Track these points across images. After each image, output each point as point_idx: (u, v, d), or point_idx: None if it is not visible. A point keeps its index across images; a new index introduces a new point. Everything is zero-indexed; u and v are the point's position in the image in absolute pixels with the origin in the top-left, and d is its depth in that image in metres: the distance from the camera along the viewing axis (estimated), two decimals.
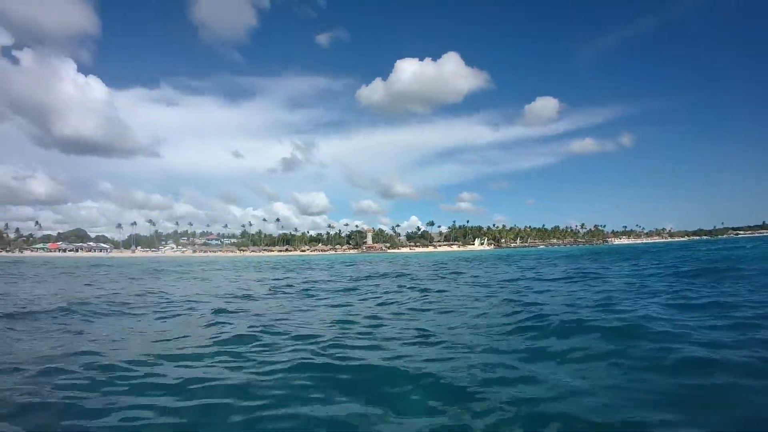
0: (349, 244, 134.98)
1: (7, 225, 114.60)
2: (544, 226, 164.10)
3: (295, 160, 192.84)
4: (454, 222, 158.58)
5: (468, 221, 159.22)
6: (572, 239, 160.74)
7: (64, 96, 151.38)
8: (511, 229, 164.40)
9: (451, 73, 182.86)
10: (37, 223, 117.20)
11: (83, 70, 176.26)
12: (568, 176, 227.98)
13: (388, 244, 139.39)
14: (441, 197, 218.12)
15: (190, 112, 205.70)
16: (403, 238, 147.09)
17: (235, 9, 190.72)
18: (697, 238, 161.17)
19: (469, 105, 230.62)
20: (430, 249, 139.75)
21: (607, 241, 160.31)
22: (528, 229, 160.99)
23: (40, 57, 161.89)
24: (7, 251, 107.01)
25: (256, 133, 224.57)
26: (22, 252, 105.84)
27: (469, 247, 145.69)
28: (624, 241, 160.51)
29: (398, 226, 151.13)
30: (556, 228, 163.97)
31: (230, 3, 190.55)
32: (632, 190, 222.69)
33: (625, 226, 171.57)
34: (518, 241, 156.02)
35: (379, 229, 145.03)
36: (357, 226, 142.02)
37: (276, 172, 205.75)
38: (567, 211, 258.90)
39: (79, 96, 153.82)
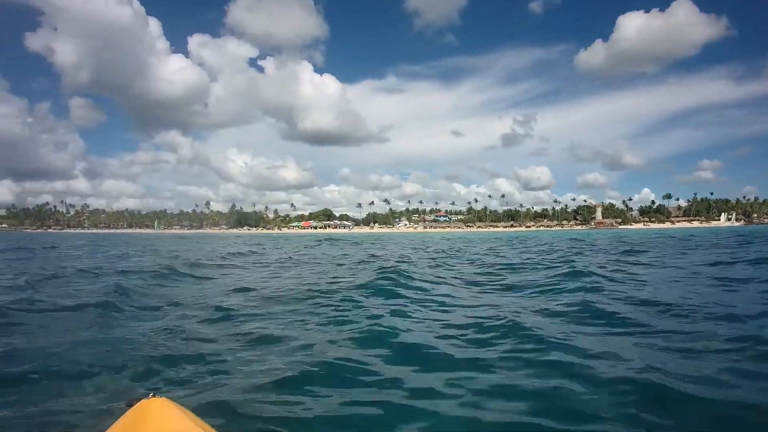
0: (576, 219, 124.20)
1: (266, 207, 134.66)
2: None
3: (515, 135, 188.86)
4: (695, 194, 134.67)
5: (712, 193, 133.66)
6: None
7: (304, 95, 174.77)
8: (765, 201, 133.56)
9: (683, 23, 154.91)
10: (292, 205, 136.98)
11: (318, 70, 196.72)
12: None
13: (619, 220, 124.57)
14: (675, 167, 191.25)
15: (413, 97, 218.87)
16: (635, 212, 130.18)
17: None
18: None
19: (706, 58, 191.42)
20: (667, 225, 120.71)
21: None
22: None
23: (281, 63, 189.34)
24: (267, 229, 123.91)
25: (474, 112, 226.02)
26: (281, 229, 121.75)
27: (714, 223, 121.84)
28: None
29: (630, 199, 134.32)
30: None
31: None
32: None
33: None
34: None
35: (609, 203, 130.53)
36: (585, 200, 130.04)
37: (496, 148, 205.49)
38: None
39: (317, 93, 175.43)
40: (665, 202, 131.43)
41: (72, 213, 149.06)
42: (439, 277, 9.01)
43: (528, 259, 13.63)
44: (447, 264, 12.31)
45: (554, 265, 10.69)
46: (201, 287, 8.06)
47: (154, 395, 1.89)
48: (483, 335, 4.16)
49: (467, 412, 2.58)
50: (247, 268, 12.15)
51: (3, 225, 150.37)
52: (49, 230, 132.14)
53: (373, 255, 16.19)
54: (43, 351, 3.73)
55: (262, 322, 4.92)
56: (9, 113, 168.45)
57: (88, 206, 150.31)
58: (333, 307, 5.55)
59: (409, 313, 5.14)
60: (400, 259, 13.07)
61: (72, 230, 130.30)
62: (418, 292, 6.80)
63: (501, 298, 6.46)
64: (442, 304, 5.88)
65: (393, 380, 3.05)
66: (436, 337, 4.10)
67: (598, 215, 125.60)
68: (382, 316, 4.80)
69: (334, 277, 9.08)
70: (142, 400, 1.86)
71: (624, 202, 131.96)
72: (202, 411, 2.04)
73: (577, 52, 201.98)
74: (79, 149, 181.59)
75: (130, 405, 1.88)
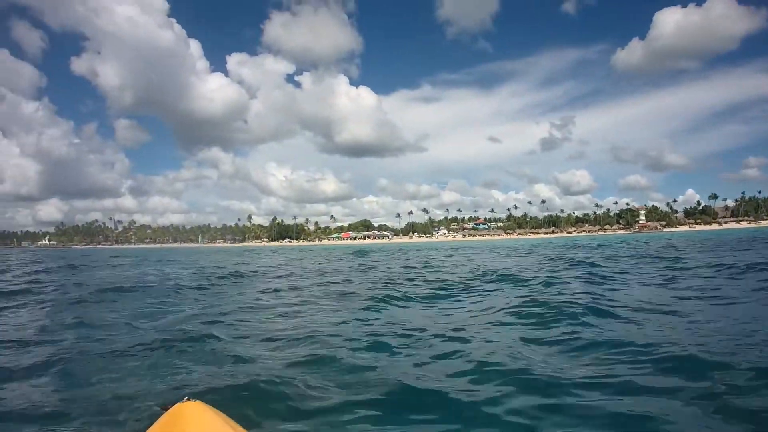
0: (619, 223, 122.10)
1: (307, 219, 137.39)
2: None
3: (553, 139, 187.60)
4: (743, 194, 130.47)
5: (760, 191, 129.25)
6: None
7: (341, 108, 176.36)
8: None
9: (721, 16, 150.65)
10: (332, 216, 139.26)
11: (354, 82, 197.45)
12: None
13: (663, 223, 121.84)
14: (721, 165, 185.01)
15: (449, 105, 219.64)
16: (680, 214, 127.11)
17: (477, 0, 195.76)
18: None
19: (747, 51, 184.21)
20: (713, 227, 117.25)
21: None
22: None
23: (317, 78, 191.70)
24: (308, 241, 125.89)
25: (511, 117, 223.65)
26: (321, 241, 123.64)
27: (762, 223, 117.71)
28: None
29: (674, 201, 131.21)
30: None
31: None
32: None
33: None
34: None
35: (652, 206, 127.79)
36: (627, 204, 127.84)
37: (535, 153, 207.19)
38: None
39: (353, 106, 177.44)
40: (711, 203, 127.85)
41: (120, 229, 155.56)
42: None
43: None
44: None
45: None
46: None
47: (188, 399, 1.96)
48: None
49: None
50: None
51: (52, 242, 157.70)
52: (98, 246, 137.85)
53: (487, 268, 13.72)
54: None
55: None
56: (57, 135, 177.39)
57: (134, 222, 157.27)
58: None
59: None
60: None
61: (119, 246, 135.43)
62: None
63: None
64: None
65: None
66: None
67: (642, 219, 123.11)
68: None
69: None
70: (177, 404, 1.93)
71: (668, 204, 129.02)
72: (236, 414, 2.15)
73: (614, 52, 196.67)
74: (126, 168, 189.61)
75: (165, 409, 1.97)
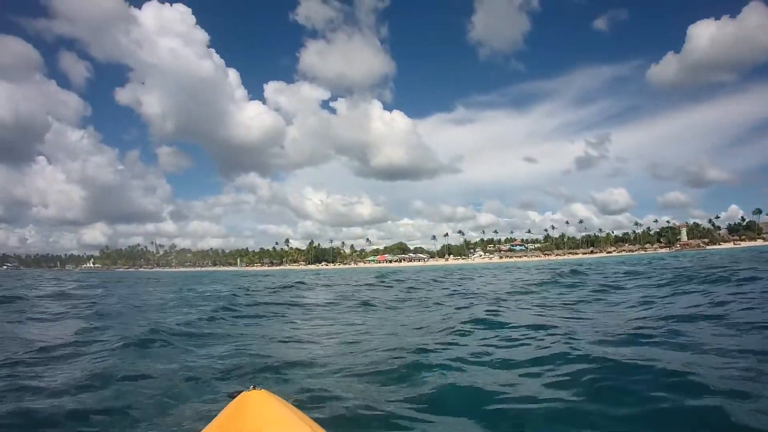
0: (660, 242, 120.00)
1: (343, 243, 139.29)
2: None
3: (589, 157, 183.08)
4: None
5: None
6: None
7: (375, 132, 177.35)
8: None
9: (757, 26, 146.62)
10: (367, 239, 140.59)
11: (387, 107, 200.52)
12: None
13: (706, 240, 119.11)
14: (764, 179, 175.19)
15: (483, 126, 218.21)
16: (723, 231, 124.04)
17: (508, 20, 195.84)
18: None
19: None
20: (758, 242, 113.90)
21: None
22: None
23: (352, 104, 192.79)
24: (344, 264, 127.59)
25: (546, 137, 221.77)
26: (356, 264, 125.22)
27: None
28: None
29: (716, 217, 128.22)
30: None
31: (503, 16, 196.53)
32: None
33: None
34: None
35: (694, 223, 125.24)
36: (668, 221, 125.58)
37: (570, 173, 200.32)
38: None
39: (387, 130, 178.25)
40: (755, 218, 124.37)
41: (161, 253, 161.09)
42: None
43: None
44: None
45: None
46: None
47: (254, 387, 2.07)
48: None
49: None
50: None
51: (96, 264, 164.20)
52: (140, 269, 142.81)
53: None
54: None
55: None
56: (102, 162, 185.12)
57: (175, 246, 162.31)
58: None
59: None
60: None
61: (161, 269, 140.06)
62: None
63: None
64: None
65: None
66: None
67: (684, 236, 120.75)
68: None
69: None
70: (243, 392, 2.04)
71: (710, 220, 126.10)
72: (300, 403, 2.19)
73: (648, 67, 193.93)
74: (167, 193, 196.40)
75: (232, 396, 2.07)
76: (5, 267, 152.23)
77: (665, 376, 3.28)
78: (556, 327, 5.59)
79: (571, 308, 8.12)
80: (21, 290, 17.28)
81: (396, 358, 4.42)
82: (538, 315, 7.42)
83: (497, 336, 5.40)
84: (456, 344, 5.02)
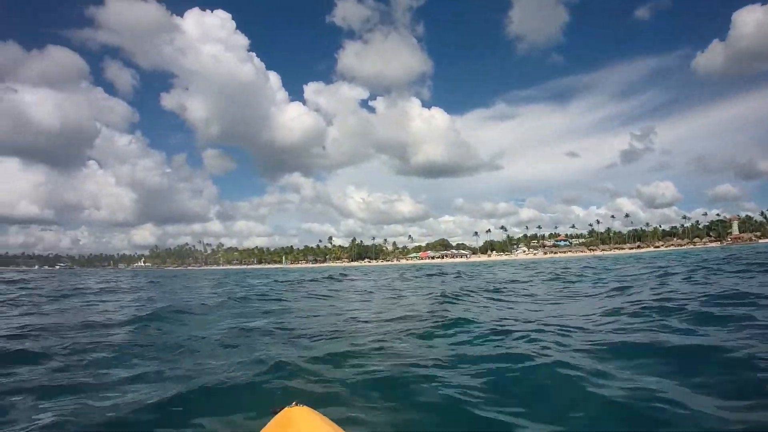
0: (710, 236, 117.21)
1: (385, 240, 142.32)
2: None
3: (634, 151, 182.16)
4: None
5: None
6: None
7: (415, 130, 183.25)
8: None
9: None
10: (410, 236, 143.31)
11: (426, 104, 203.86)
12: None
13: (758, 233, 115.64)
14: None
15: (524, 122, 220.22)
16: None
17: (546, 13, 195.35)
18: None
19: None
20: None
21: None
22: None
23: (391, 102, 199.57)
24: (387, 261, 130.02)
25: (589, 131, 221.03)
26: (398, 260, 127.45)
27: None
28: None
29: None
30: None
31: (540, 9, 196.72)
32: None
33: None
34: None
35: (745, 216, 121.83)
36: (718, 215, 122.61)
37: (615, 167, 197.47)
38: None
39: (427, 128, 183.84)
40: None
41: (208, 252, 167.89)
42: None
43: None
44: None
45: None
46: None
47: (297, 404, 2.07)
48: None
49: None
50: None
51: (147, 263, 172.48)
52: (188, 267, 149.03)
53: None
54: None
55: None
56: (150, 166, 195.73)
57: (222, 245, 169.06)
58: None
59: None
60: None
61: (208, 267, 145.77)
62: None
63: None
64: None
65: None
66: None
67: (735, 230, 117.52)
68: None
69: None
70: (286, 408, 2.06)
71: (762, 213, 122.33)
72: (342, 421, 2.20)
73: (693, 56, 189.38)
74: (213, 194, 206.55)
75: (274, 413, 2.09)
76: (58, 266, 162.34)
77: None
78: None
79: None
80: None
81: None
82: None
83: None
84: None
